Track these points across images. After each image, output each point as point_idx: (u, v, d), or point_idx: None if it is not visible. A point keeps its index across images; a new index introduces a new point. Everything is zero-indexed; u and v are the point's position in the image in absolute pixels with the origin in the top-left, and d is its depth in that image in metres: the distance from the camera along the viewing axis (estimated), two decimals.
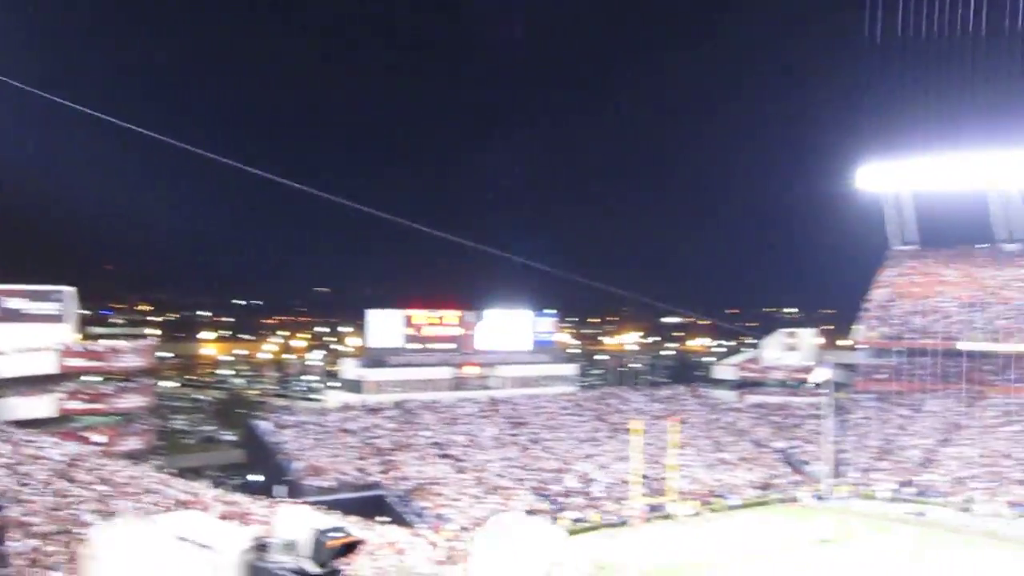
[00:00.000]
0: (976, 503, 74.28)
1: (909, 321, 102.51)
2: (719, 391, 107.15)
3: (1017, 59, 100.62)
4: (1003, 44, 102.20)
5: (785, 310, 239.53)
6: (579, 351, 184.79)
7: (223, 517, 42.82)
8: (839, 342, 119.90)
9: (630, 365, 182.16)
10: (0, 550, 39.31)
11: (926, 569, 58.72)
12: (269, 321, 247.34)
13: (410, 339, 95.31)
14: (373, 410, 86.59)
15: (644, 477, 75.59)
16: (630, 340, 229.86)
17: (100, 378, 76.98)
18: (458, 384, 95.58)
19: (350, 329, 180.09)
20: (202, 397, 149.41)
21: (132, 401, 76.28)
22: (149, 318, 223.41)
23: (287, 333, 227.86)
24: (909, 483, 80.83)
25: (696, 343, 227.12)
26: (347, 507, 57.75)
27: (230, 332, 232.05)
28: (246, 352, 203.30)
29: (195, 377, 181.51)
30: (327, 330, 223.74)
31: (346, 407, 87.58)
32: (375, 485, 72.77)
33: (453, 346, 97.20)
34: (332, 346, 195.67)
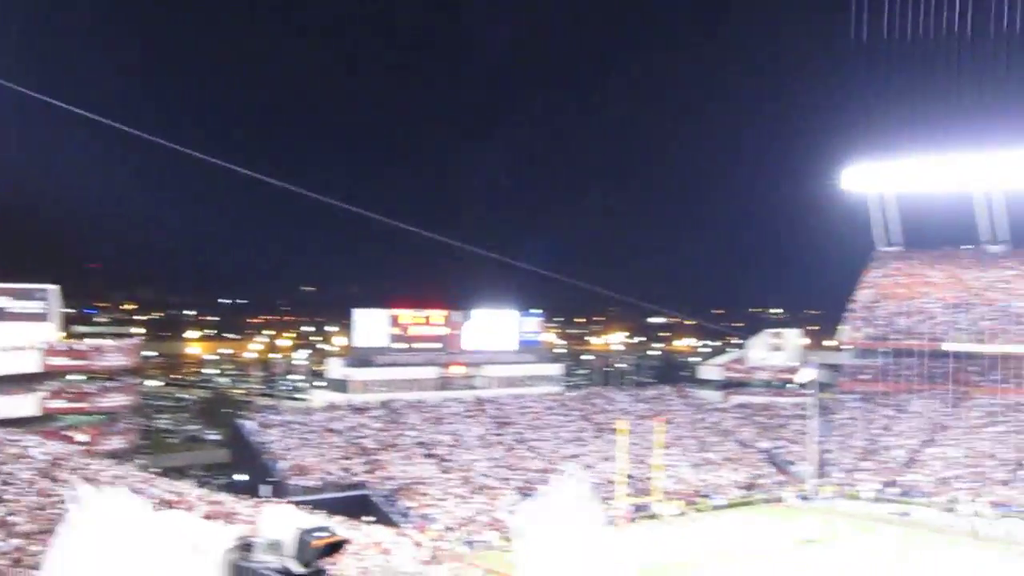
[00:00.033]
0: (960, 503, 74.53)
1: (894, 322, 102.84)
2: (704, 391, 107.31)
3: (1001, 61, 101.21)
4: (988, 46, 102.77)
5: (771, 310, 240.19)
6: (565, 351, 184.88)
7: (207, 517, 42.62)
8: (824, 343, 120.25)
9: (616, 365, 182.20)
10: None
11: (910, 569, 58.91)
12: (255, 320, 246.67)
13: (396, 339, 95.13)
14: (359, 410, 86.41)
15: (629, 477, 75.67)
16: (616, 340, 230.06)
17: (84, 377, 76.67)
18: (444, 384, 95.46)
19: (336, 328, 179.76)
20: (187, 396, 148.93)
21: (116, 400, 75.99)
22: (134, 317, 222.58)
23: (273, 332, 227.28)
24: (893, 483, 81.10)
25: (682, 343, 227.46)
26: (332, 507, 57.56)
27: (215, 331, 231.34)
28: (231, 351, 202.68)
29: (180, 376, 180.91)
30: (313, 329, 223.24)
31: (332, 406, 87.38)
32: (360, 485, 72.64)
33: (439, 346, 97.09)
34: (318, 345, 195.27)
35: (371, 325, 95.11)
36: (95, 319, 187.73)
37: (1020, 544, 64.30)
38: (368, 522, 57.42)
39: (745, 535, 68.12)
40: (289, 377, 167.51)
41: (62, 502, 46.79)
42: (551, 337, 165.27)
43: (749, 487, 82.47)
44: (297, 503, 53.70)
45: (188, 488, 57.12)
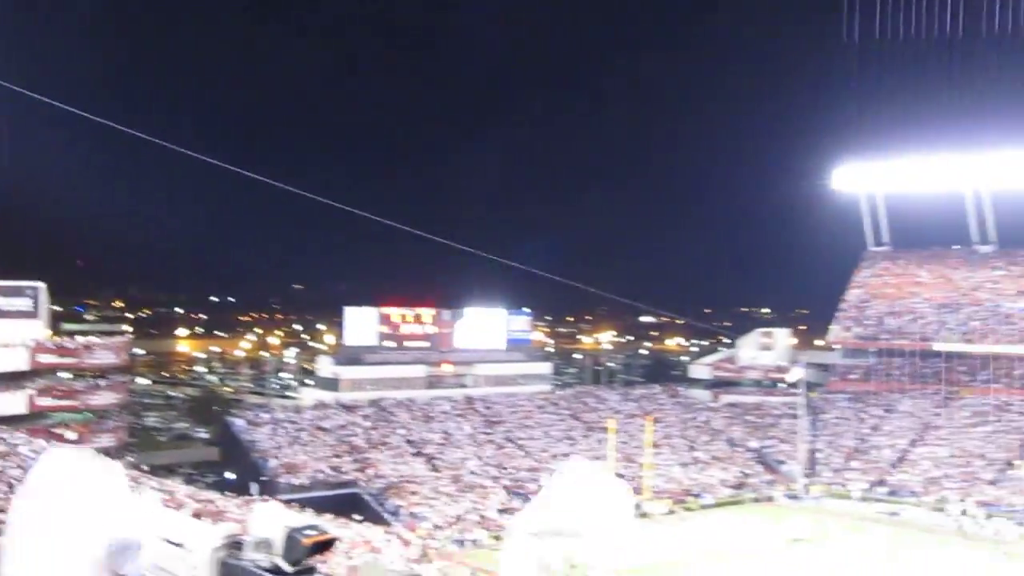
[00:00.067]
0: (949, 503, 74.73)
1: (883, 322, 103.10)
2: (694, 390, 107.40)
3: (992, 62, 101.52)
4: (979, 47, 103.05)
5: (760, 310, 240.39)
6: (555, 350, 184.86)
7: (196, 515, 42.54)
8: (814, 342, 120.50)
9: (606, 364, 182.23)
10: None
11: (900, 568, 59.02)
12: (245, 318, 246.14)
13: (386, 337, 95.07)
14: (349, 408, 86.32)
15: (619, 476, 75.73)
16: (606, 339, 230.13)
17: (72, 375, 76.41)
18: (433, 382, 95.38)
19: (326, 327, 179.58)
20: (176, 394, 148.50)
21: (105, 398, 75.76)
22: (123, 314, 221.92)
23: (263, 330, 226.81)
24: (882, 483, 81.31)
25: (672, 342, 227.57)
26: (322, 505, 57.56)
27: (205, 329, 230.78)
28: (221, 349, 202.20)
29: (169, 374, 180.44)
30: (303, 328, 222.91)
31: (321, 405, 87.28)
32: (350, 483, 72.59)
33: (428, 344, 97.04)
34: (308, 344, 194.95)
35: (361, 323, 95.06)
36: (84, 316, 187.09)
37: (1008, 544, 64.50)
38: (358, 520, 57.45)
39: (734, 534, 68.16)
40: (279, 375, 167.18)
41: None
42: (541, 336, 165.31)
43: (738, 486, 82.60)
44: (287, 501, 53.61)
45: (177, 486, 57.05)
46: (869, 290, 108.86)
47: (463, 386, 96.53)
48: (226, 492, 60.85)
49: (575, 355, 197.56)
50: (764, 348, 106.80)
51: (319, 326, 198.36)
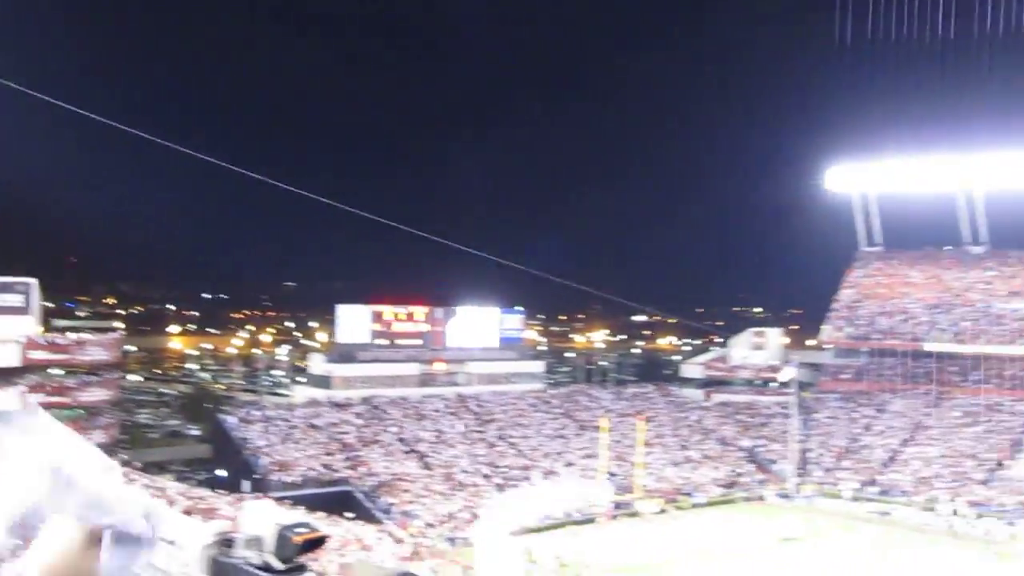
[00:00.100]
0: (939, 503, 74.92)
1: (875, 322, 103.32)
2: (686, 389, 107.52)
3: (983, 63, 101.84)
4: (970, 48, 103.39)
5: (753, 309, 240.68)
6: (547, 348, 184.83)
7: (187, 512, 42.50)
8: (806, 342, 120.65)
9: (598, 363, 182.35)
10: None
11: (890, 568, 59.17)
12: (237, 315, 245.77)
13: (378, 335, 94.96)
14: (340, 406, 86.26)
15: (611, 474, 75.87)
16: (598, 338, 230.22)
17: (64, 371, 76.22)
18: (426, 380, 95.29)
19: (318, 324, 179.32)
20: (168, 391, 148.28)
21: (97, 394, 75.58)
22: (115, 311, 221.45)
23: (255, 327, 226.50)
24: (873, 482, 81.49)
25: (664, 341, 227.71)
26: (314, 503, 57.55)
27: (197, 326, 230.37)
28: (213, 346, 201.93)
29: (161, 371, 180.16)
30: (295, 325, 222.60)
31: (313, 402, 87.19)
32: (342, 481, 72.55)
33: (421, 342, 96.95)
34: (300, 341, 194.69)
35: (354, 321, 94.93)
36: (76, 313, 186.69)
37: (998, 543, 64.71)
38: (350, 518, 57.46)
39: (726, 533, 68.29)
40: (271, 373, 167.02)
41: None
42: (533, 334, 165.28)
43: (730, 485, 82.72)
44: (278, 499, 53.60)
45: (168, 483, 56.99)
46: (861, 290, 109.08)
47: (455, 384, 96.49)
48: (218, 489, 60.84)
49: (568, 354, 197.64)
50: (756, 347, 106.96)
51: (311, 323, 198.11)
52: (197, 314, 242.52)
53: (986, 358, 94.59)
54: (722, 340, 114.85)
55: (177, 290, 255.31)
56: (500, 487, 74.81)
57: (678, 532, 68.46)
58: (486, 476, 76.97)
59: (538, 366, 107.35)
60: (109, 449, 71.46)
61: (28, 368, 72.29)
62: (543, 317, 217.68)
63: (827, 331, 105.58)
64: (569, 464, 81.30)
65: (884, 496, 78.89)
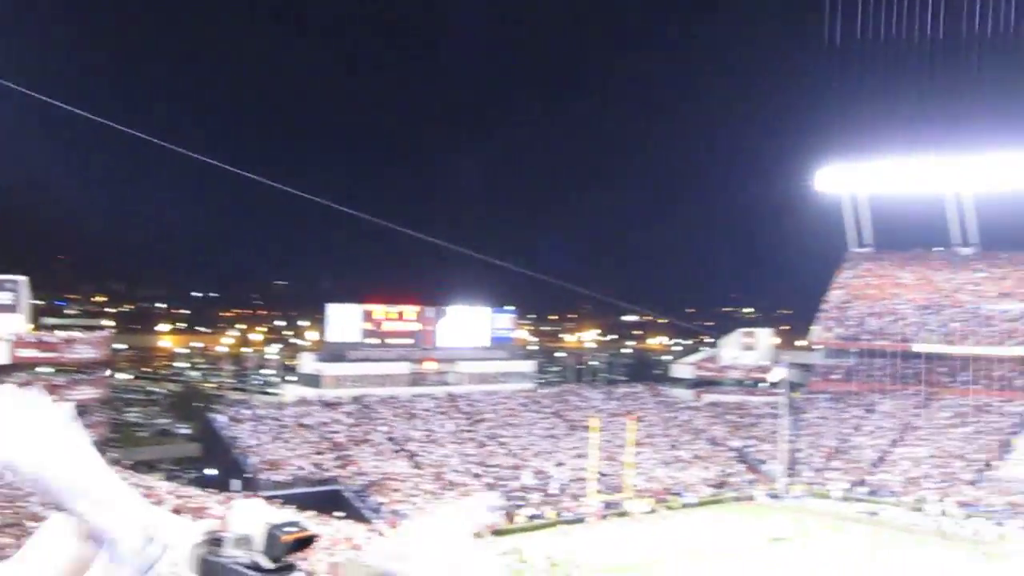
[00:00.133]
0: (928, 503, 75.13)
1: (865, 322, 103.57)
2: (676, 389, 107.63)
3: (973, 64, 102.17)
4: (960, 49, 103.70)
5: (743, 310, 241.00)
6: (538, 348, 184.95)
7: (177, 511, 42.40)
8: (796, 342, 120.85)
9: (589, 362, 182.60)
10: None
11: (879, 568, 59.31)
12: (227, 314, 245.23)
13: (369, 334, 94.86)
14: (331, 405, 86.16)
15: (601, 474, 75.90)
16: (589, 337, 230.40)
17: (53, 369, 75.99)
18: (416, 379, 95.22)
19: (308, 323, 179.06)
20: (157, 390, 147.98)
21: (86, 393, 75.26)
22: (104, 309, 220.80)
23: (245, 326, 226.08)
24: (862, 483, 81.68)
25: (654, 341, 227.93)
26: (303, 502, 57.42)
27: (187, 324, 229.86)
28: (203, 345, 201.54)
29: (151, 369, 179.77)
30: (285, 324, 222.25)
31: (303, 401, 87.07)
32: (332, 480, 72.46)
33: (411, 341, 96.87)
34: (290, 340, 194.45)
35: (344, 320, 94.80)
36: (65, 311, 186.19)
37: (987, 544, 64.92)
38: (339, 517, 57.40)
39: (716, 533, 68.40)
40: (261, 371, 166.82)
41: (30, 495, 46.41)
42: (524, 334, 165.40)
43: (720, 485, 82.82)
44: (268, 498, 53.50)
45: (158, 482, 56.88)
46: (851, 291, 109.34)
47: (446, 383, 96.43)
48: (207, 488, 60.73)
49: (558, 353, 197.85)
50: (746, 348, 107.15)
51: (302, 322, 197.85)
52: (187, 312, 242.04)
53: (975, 359, 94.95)
54: (712, 340, 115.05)
55: (167, 288, 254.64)
56: (490, 486, 74.79)
57: (668, 532, 68.53)
58: (476, 475, 76.97)
59: (529, 366, 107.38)
60: (98, 447, 71.28)
61: (17, 366, 71.99)
62: (534, 317, 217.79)
63: (817, 332, 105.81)
64: (559, 464, 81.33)
65: (873, 496, 79.08)
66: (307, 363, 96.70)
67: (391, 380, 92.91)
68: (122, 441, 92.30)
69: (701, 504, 78.50)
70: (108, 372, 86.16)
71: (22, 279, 75.61)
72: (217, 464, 75.46)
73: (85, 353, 76.62)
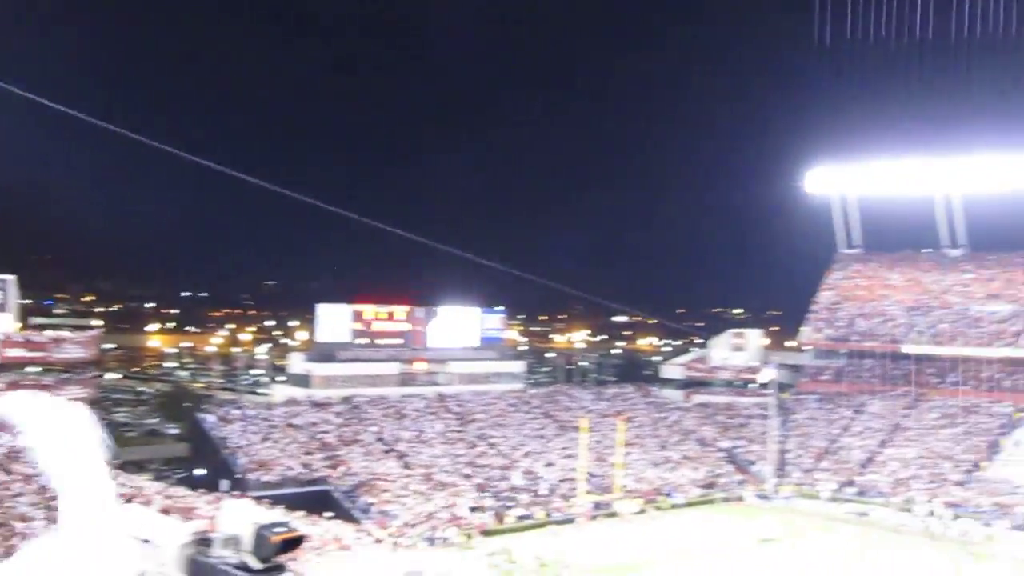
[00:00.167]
0: (916, 504, 75.29)
1: (854, 323, 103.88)
2: (666, 390, 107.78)
3: (962, 66, 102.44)
4: (949, 51, 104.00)
5: (733, 311, 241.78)
6: (528, 348, 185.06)
7: (165, 511, 42.31)
8: (785, 343, 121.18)
9: (579, 363, 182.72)
10: None
11: (868, 568, 59.44)
12: (216, 313, 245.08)
13: (359, 334, 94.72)
14: (320, 405, 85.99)
15: (590, 475, 75.92)
16: (579, 338, 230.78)
17: (41, 369, 75.75)
18: (406, 380, 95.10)
19: (298, 323, 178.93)
20: (146, 389, 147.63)
21: (74, 393, 74.86)
22: (93, 309, 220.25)
23: (234, 326, 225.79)
24: (851, 483, 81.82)
25: (644, 342, 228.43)
26: (292, 502, 57.39)
27: (176, 324, 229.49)
28: (192, 344, 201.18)
29: (140, 369, 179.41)
30: (275, 324, 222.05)
31: (293, 401, 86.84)
32: (321, 480, 72.29)
33: (401, 342, 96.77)
34: (280, 340, 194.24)
35: (334, 320, 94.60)
36: (54, 311, 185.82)
37: (975, 544, 65.12)
38: (328, 518, 57.31)
39: (705, 533, 68.51)
40: (250, 371, 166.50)
41: (19, 495, 46.26)
42: (514, 334, 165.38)
43: (709, 486, 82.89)
44: (257, 498, 53.43)
45: (146, 482, 56.72)
46: (840, 292, 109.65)
47: (436, 384, 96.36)
48: (196, 489, 60.56)
49: (548, 354, 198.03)
50: (736, 349, 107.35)
51: (292, 322, 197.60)
52: (177, 312, 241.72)
53: (964, 360, 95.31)
54: (702, 341, 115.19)
55: (156, 288, 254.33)
56: (480, 487, 74.77)
57: (657, 532, 68.59)
58: (466, 476, 76.89)
59: (519, 366, 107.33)
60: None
61: (5, 366, 71.83)
62: (524, 317, 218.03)
63: (806, 333, 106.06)
64: (549, 464, 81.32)
65: (862, 497, 79.23)
66: (297, 363, 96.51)
67: (381, 380, 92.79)
68: (111, 441, 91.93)
69: (690, 505, 78.55)
70: (96, 372, 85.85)
71: (10, 278, 75.37)
72: (206, 464, 75.25)
73: (74, 353, 76.37)
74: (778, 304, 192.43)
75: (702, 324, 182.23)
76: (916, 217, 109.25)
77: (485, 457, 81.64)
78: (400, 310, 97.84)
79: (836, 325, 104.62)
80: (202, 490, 58.05)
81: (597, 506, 73.02)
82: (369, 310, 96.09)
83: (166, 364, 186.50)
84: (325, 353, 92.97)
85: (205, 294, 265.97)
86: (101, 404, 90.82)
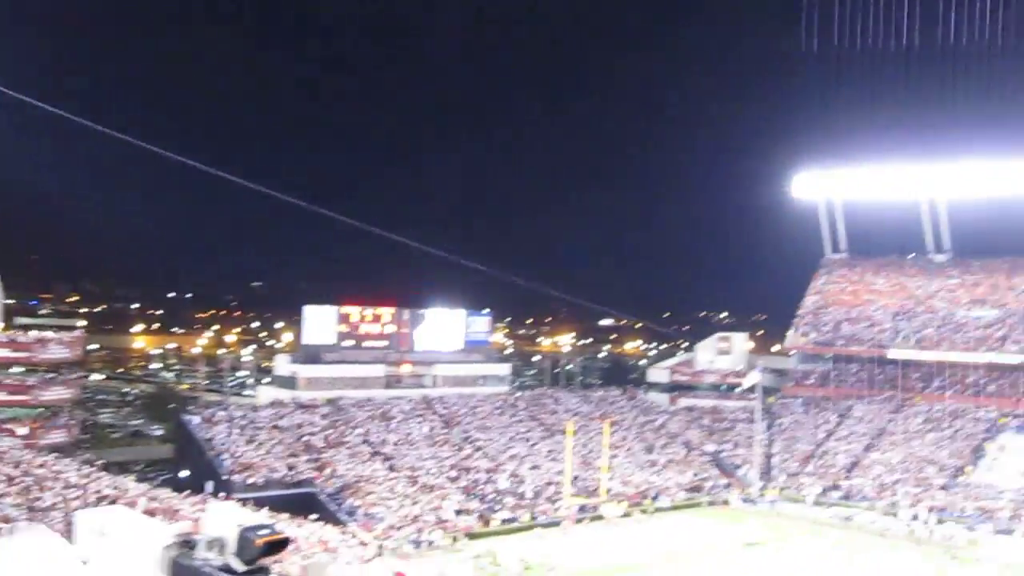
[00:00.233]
0: (901, 508, 75.49)
1: (839, 328, 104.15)
2: (652, 394, 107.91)
3: (948, 72, 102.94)
4: (936, 57, 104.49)
5: (719, 315, 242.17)
6: (514, 351, 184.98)
7: (149, 513, 42.06)
8: (771, 347, 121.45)
9: (565, 366, 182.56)
10: None
11: (852, 572, 59.60)
12: (202, 315, 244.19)
13: (344, 336, 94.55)
14: (306, 407, 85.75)
15: (576, 478, 75.90)
16: (565, 341, 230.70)
17: (25, 369, 75.42)
18: (392, 382, 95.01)
19: (283, 325, 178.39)
20: (131, 390, 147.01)
21: (58, 393, 74.76)
22: (78, 309, 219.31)
23: (220, 327, 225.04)
24: (836, 487, 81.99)
25: (630, 345, 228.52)
26: (278, 504, 57.17)
27: (161, 325, 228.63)
28: (177, 345, 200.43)
29: (124, 370, 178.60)
30: (260, 325, 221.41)
31: (278, 403, 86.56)
32: (306, 482, 72.09)
33: (387, 344, 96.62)
34: (266, 342, 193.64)
35: (320, 322, 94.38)
36: (38, 311, 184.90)
37: (959, 549, 65.37)
38: (314, 520, 57.11)
39: (690, 537, 68.63)
40: (236, 373, 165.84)
41: (2, 496, 45.97)
42: (500, 337, 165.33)
43: (694, 489, 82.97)
44: (242, 500, 53.20)
45: (130, 483, 56.41)
46: (826, 296, 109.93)
47: (422, 386, 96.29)
48: (180, 490, 60.29)
49: (534, 357, 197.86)
50: (722, 352, 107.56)
51: (277, 324, 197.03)
52: (162, 313, 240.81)
53: (949, 365, 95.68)
54: (688, 345, 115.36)
55: (141, 288, 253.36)
56: (465, 490, 74.70)
57: (643, 536, 68.64)
58: (452, 479, 76.81)
59: (504, 369, 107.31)
60: (70, 448, 70.76)
61: None
62: (510, 320, 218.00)
63: (792, 337, 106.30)
64: (534, 467, 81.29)
65: (847, 501, 79.41)
66: (282, 365, 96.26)
67: (367, 383, 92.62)
68: (94, 442, 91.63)
69: (676, 508, 78.63)
70: (81, 372, 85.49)
71: None
72: (191, 466, 74.96)
73: (58, 353, 76.00)
74: (764, 308, 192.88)
75: (688, 328, 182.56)
76: (902, 222, 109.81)
77: (471, 460, 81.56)
78: (386, 312, 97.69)
79: (821, 330, 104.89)
80: (187, 492, 57.78)
81: (583, 509, 72.99)
82: (355, 312, 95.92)
83: (151, 365, 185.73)
84: (311, 355, 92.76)
85: (190, 295, 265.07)
86: (85, 405, 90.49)
